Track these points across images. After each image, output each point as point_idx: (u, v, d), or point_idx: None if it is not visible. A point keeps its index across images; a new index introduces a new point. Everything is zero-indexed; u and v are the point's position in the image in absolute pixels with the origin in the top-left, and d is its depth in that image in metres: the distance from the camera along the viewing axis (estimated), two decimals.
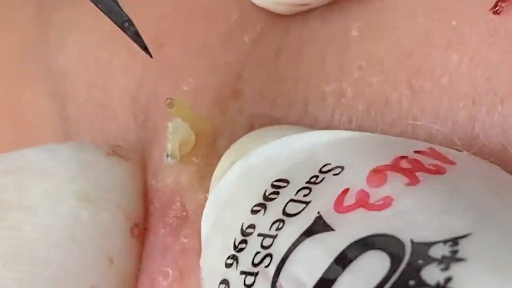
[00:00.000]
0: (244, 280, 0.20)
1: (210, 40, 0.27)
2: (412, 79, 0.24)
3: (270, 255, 0.20)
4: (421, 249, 0.17)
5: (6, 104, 0.33)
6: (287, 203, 0.21)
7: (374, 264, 0.17)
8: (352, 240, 0.18)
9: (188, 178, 0.25)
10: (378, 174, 0.20)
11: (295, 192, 0.21)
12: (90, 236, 0.24)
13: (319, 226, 0.19)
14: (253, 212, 0.21)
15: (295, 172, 0.21)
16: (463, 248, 0.17)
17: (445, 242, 0.17)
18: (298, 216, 0.20)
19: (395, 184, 0.19)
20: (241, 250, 0.21)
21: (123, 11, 0.23)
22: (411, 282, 0.17)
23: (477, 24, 0.23)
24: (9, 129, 0.33)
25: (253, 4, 0.26)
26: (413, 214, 0.18)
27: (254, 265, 0.20)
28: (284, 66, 0.26)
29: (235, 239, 0.21)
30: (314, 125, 0.25)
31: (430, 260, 0.17)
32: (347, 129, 0.24)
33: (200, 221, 0.24)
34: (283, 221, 0.20)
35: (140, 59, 0.27)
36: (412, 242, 0.17)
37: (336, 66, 0.25)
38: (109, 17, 0.23)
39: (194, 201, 0.25)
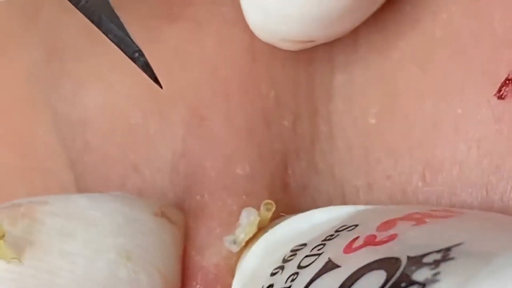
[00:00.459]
0: None
1: (253, 120, 0.27)
2: (425, 171, 0.25)
3: None
4: (416, 260, 0.18)
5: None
6: (302, 259, 0.22)
7: (372, 279, 0.18)
8: (355, 268, 0.19)
9: (233, 263, 0.25)
10: (388, 223, 0.21)
11: (310, 249, 0.22)
12: None
13: (328, 267, 0.20)
14: (272, 274, 0.22)
15: (313, 237, 0.23)
16: (455, 252, 0.18)
17: (438, 251, 0.18)
18: (310, 265, 0.21)
19: (402, 226, 0.20)
20: None
21: (133, 42, 0.23)
22: (403, 284, 0.17)
23: (482, 111, 0.24)
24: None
25: (284, 73, 0.27)
26: (414, 239, 0.19)
27: None
28: (319, 155, 0.27)
29: None
30: None
31: (422, 265, 0.18)
32: None
33: None
34: (297, 273, 0.21)
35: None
36: (408, 257, 0.18)
37: (363, 158, 0.26)
38: (120, 47, 0.23)
39: None
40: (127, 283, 0.24)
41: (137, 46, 0.23)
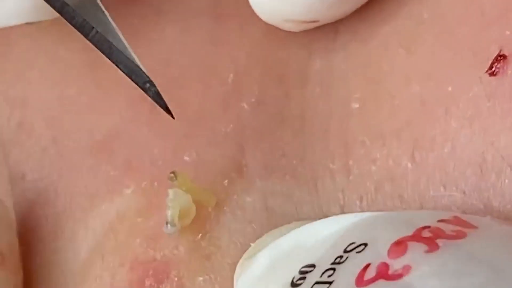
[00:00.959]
0: None
1: (207, 104, 0.27)
2: (414, 151, 0.24)
3: None
4: None
5: None
6: (312, 286, 0.20)
7: None
8: None
9: (187, 253, 0.24)
10: (399, 246, 0.20)
11: (321, 274, 0.20)
12: None
13: None
14: None
15: (321, 256, 0.21)
16: None
17: None
18: None
19: (414, 253, 0.19)
20: None
21: (143, 72, 0.23)
22: None
23: (473, 88, 0.23)
24: None
25: (249, 58, 0.27)
26: (429, 278, 0.18)
27: None
28: (287, 138, 0.26)
29: None
30: (327, 204, 0.24)
31: None
32: (358, 207, 0.24)
33: None
34: None
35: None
36: None
37: (341, 142, 0.25)
38: (130, 78, 0.23)
39: (194, 280, 0.24)
40: None
41: (147, 77, 0.23)
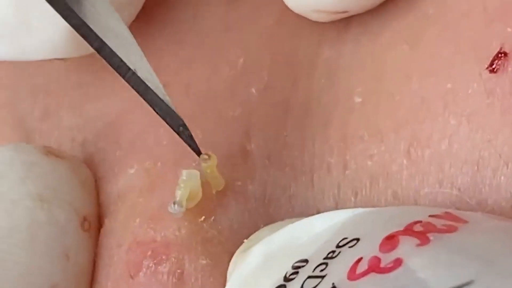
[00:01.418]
0: None
1: (215, 87, 0.27)
2: (410, 148, 0.24)
3: None
4: None
5: None
6: (305, 280, 0.20)
7: None
8: None
9: (188, 235, 0.24)
10: (390, 240, 0.20)
11: (313, 269, 0.21)
12: (48, 235, 0.24)
13: None
14: None
15: (314, 251, 0.21)
16: None
17: None
18: None
19: (406, 246, 0.19)
20: None
21: (177, 115, 0.23)
22: None
23: (473, 85, 0.23)
24: None
25: (260, 44, 0.27)
26: (421, 271, 0.18)
27: None
28: (290, 128, 0.26)
29: None
30: (321, 198, 0.25)
31: None
32: (353, 202, 0.24)
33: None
34: None
35: None
36: None
37: (340, 136, 0.25)
38: (165, 120, 0.23)
39: (195, 264, 0.24)
40: (47, 223, 0.24)
41: (181, 120, 0.23)
